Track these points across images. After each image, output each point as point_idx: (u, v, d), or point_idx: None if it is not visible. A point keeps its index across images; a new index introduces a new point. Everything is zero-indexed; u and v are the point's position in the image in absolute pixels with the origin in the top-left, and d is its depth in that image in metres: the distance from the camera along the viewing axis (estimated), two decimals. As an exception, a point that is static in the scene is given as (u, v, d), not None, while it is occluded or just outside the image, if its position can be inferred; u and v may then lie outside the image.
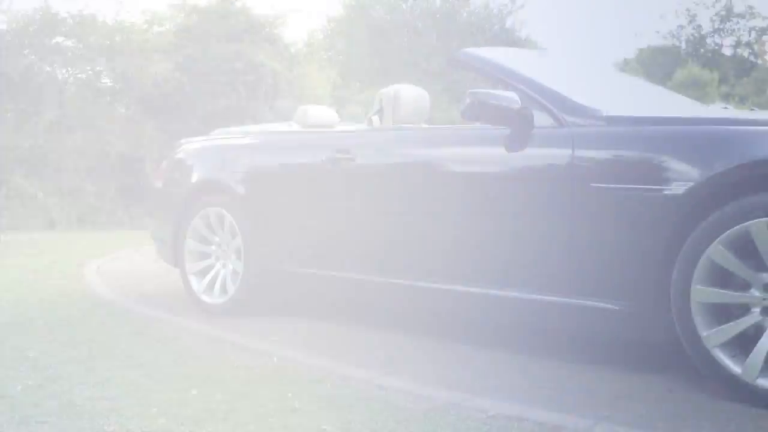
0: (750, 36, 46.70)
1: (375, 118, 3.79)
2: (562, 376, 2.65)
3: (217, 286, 3.89)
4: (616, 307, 2.52)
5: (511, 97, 2.76)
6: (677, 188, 2.35)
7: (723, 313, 2.34)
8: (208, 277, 3.96)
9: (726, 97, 31.35)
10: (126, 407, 2.31)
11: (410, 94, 3.84)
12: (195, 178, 4.09)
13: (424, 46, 25.03)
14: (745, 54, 46.77)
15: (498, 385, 2.54)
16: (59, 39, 11.53)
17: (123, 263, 6.06)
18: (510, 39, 25.25)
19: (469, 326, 3.39)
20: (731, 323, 2.29)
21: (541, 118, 2.74)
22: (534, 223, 2.74)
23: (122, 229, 10.79)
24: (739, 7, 45.64)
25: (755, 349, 2.22)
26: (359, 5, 27.47)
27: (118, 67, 11.17)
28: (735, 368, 2.26)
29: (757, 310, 2.25)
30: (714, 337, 2.30)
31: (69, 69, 11.86)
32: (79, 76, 11.94)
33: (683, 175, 2.35)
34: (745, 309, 2.29)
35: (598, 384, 2.53)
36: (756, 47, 46.38)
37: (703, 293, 2.32)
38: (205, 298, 3.92)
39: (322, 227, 3.45)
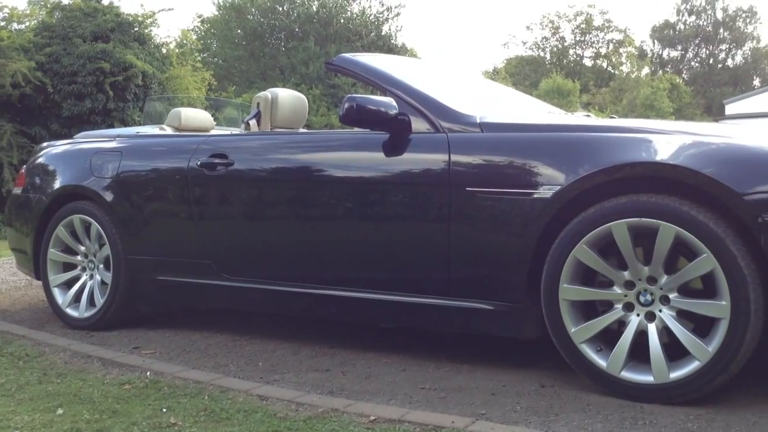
0: (608, 48, 50.10)
1: (252, 122, 3.73)
2: (441, 375, 2.70)
3: (84, 298, 3.69)
4: (491, 307, 2.61)
5: (388, 102, 2.80)
6: (545, 192, 2.46)
7: (589, 310, 2.47)
8: (74, 289, 3.75)
9: (587, 105, 33.46)
10: (-19, 433, 2.14)
11: (288, 98, 3.81)
12: (58, 184, 3.86)
13: (302, 51, 24.96)
14: (604, 65, 50.09)
15: (380, 389, 2.56)
16: None
17: (-23, 276, 5.62)
18: (386, 46, 25.70)
19: (351, 330, 3.39)
20: (596, 319, 2.42)
21: (418, 124, 2.79)
22: (412, 226, 2.78)
23: (-23, 240, 10.03)
24: (598, 21, 48.85)
25: (619, 343, 2.36)
26: (234, 7, 27.00)
27: (-28, 66, 10.36)
28: (601, 362, 2.39)
29: (619, 306, 2.40)
30: (581, 332, 2.43)
31: None
32: (-72, 74, 10.97)
33: (551, 180, 2.46)
34: (608, 305, 2.43)
35: (475, 382, 2.61)
36: (613, 59, 49.78)
37: (570, 291, 2.44)
38: (70, 311, 3.71)
39: (197, 234, 3.35)
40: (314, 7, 26.39)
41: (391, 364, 2.89)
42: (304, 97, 3.98)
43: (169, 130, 4.11)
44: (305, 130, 4.02)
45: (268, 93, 3.78)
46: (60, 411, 2.35)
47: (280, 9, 26.67)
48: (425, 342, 3.17)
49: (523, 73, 45.34)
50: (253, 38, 27.10)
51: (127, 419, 2.26)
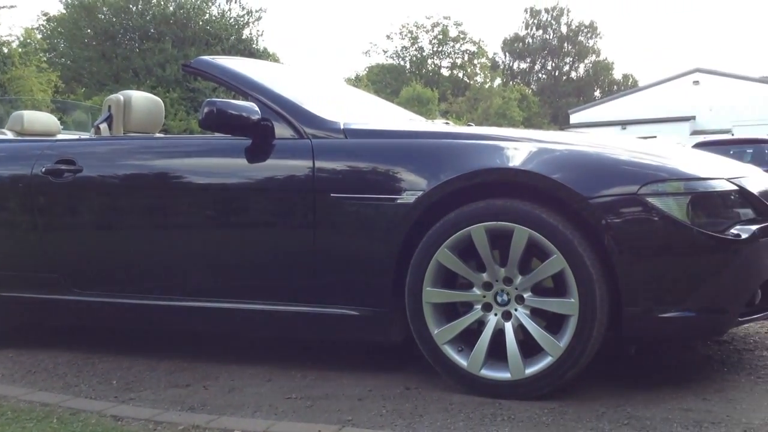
0: (463, 59, 52.23)
1: (103, 127, 3.54)
2: (307, 384, 2.68)
3: None
4: (356, 313, 2.62)
5: (250, 107, 2.75)
6: (408, 197, 2.50)
7: (450, 312, 2.54)
8: None
9: (445, 114, 34.70)
10: None
11: (142, 101, 3.65)
12: None
13: (158, 53, 24.05)
14: (460, 75, 52.16)
15: (244, 401, 2.50)
16: None
17: None
18: (247, 50, 25.35)
19: (213, 342, 3.29)
20: (457, 320, 2.49)
21: (281, 130, 2.76)
22: (277, 234, 2.74)
23: None
24: (453, 32, 50.83)
25: (478, 343, 2.45)
26: (83, 5, 25.58)
27: None
28: (462, 361, 2.46)
29: (478, 306, 2.48)
30: (443, 334, 2.49)
31: None
32: None
33: (413, 185, 2.51)
34: (469, 306, 2.51)
35: (342, 388, 2.60)
36: (468, 69, 51.97)
37: (433, 294, 2.49)
38: None
39: (43, 246, 3.12)
40: (171, 8, 25.53)
41: (256, 375, 2.82)
42: (160, 101, 3.83)
43: (10, 135, 3.82)
44: (162, 135, 3.87)
45: (120, 95, 3.60)
46: None
47: (134, 9, 25.58)
48: (292, 350, 3.14)
49: (384, 81, 46.30)
50: (104, 38, 25.81)
51: (-37, 451, 2.06)
